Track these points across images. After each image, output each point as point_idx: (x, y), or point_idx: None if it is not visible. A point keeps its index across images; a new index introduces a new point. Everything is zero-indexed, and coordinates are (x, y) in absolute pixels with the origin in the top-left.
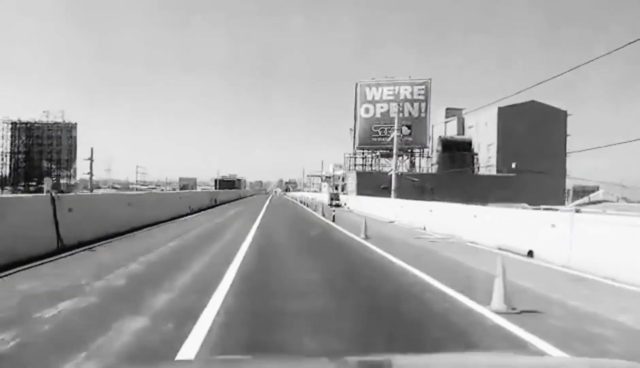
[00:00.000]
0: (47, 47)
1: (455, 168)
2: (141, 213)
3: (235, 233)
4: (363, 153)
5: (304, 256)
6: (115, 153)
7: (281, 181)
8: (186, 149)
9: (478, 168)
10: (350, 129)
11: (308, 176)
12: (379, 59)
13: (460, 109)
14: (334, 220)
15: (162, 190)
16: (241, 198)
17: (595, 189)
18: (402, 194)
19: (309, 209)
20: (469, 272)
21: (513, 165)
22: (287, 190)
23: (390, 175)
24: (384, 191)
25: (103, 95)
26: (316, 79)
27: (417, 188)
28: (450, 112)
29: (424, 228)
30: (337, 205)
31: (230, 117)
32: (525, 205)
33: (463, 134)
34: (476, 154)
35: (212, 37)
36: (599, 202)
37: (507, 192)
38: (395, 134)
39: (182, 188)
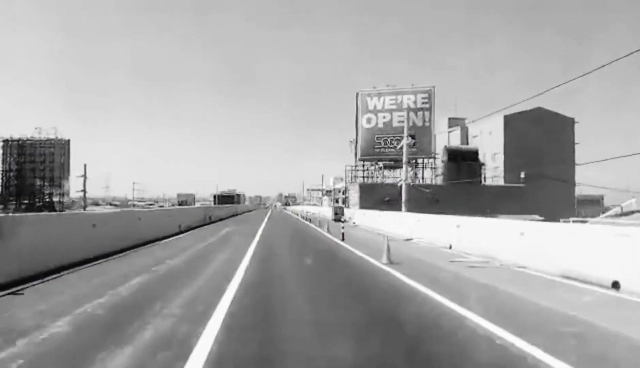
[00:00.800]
0: (40, 63)
1: (461, 178)
2: (111, 236)
3: (227, 259)
4: (364, 165)
5: (319, 301)
6: (114, 170)
7: (280, 195)
8: (186, 166)
9: (485, 178)
10: (351, 141)
11: (308, 190)
12: (377, 70)
13: (463, 119)
14: (343, 239)
15: (161, 206)
16: (238, 214)
17: (600, 199)
18: (408, 206)
19: (312, 225)
20: (568, 324)
21: (522, 174)
22: (286, 204)
23: (400, 186)
24: (389, 204)
25: (100, 112)
26: (315, 92)
27: (421, 199)
28: (453, 122)
29: (450, 247)
30: (342, 220)
31: (229, 132)
32: (537, 217)
33: (467, 143)
34: (483, 164)
35: (211, 52)
36: (631, 213)
37: (516, 203)
38: (405, 141)
39: (180, 204)
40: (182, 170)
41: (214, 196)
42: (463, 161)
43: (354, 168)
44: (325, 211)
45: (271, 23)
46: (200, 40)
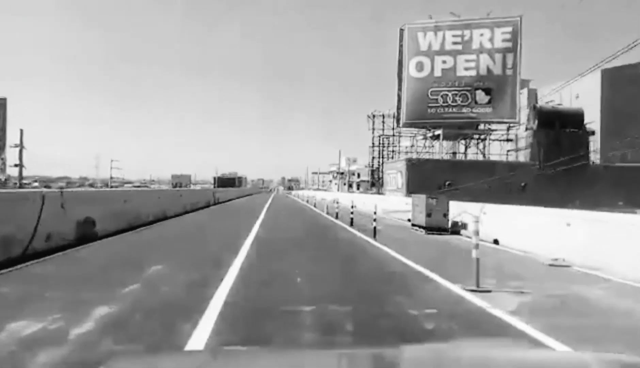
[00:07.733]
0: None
1: (562, 154)
2: None
3: None
4: (413, 134)
5: None
6: (116, 152)
7: (283, 178)
8: (187, 149)
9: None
10: (368, 116)
11: (313, 173)
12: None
13: (528, 81)
14: None
15: (158, 188)
16: (220, 201)
17: None
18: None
19: (406, 262)
20: None
21: None
22: (289, 188)
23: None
24: (447, 190)
25: (107, 94)
26: (318, 78)
27: (546, 183)
28: None
29: None
30: (441, 229)
31: (232, 116)
32: None
33: None
34: (592, 132)
35: (215, 36)
36: None
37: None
38: None
39: (175, 186)
40: (184, 153)
41: (214, 179)
42: (562, 129)
43: (394, 135)
44: (358, 200)
45: (277, 11)
46: (205, 28)
